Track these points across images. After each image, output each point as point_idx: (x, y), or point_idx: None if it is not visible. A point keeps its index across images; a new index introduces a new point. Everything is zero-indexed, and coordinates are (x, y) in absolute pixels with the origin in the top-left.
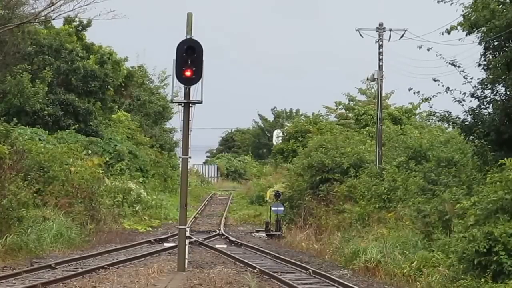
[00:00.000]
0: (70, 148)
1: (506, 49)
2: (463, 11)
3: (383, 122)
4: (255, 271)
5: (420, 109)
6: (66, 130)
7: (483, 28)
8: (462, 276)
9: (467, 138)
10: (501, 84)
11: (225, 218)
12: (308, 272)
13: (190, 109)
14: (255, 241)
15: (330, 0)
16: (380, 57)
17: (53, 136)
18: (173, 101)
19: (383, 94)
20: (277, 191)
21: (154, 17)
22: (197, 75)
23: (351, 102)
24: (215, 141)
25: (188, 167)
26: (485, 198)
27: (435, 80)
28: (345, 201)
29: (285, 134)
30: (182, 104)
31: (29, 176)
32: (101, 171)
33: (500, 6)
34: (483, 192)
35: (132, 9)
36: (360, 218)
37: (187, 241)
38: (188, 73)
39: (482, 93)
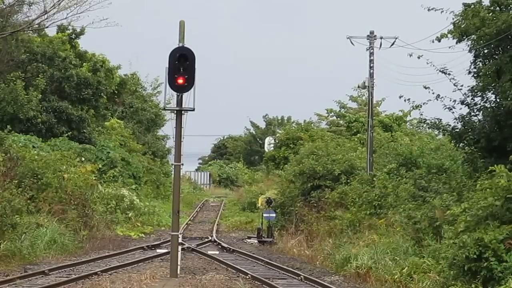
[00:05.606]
0: (63, 155)
1: (496, 57)
2: (453, 19)
3: (374, 129)
4: (247, 277)
5: (410, 116)
6: (60, 138)
7: (473, 36)
8: (453, 282)
9: (457, 145)
10: (491, 92)
11: (217, 224)
12: (299, 278)
13: (183, 116)
14: (247, 247)
15: (321, 8)
16: (371, 64)
17: (46, 143)
18: (166, 108)
19: (374, 102)
20: (269, 197)
21: (147, 25)
22: (190, 83)
23: (342, 109)
24: (207, 148)
25: (181, 174)
26: (475, 204)
27: (425, 88)
28: (336, 207)
29: (277, 141)
30: (175, 111)
31: (22, 183)
32: (94, 178)
33: (490, 14)
34: (473, 199)
35: (125, 17)
36: (351, 224)
37: (180, 247)
38: (180, 81)
39: (472, 101)
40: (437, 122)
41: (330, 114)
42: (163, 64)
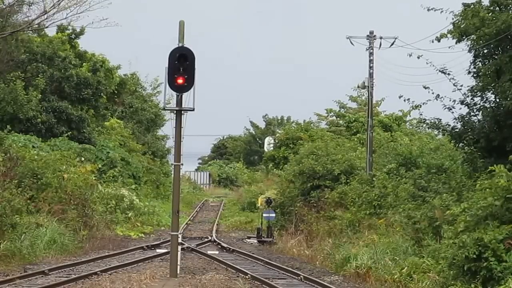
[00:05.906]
0: (63, 155)
1: (496, 57)
2: (453, 19)
3: (373, 129)
4: (247, 277)
5: (410, 116)
6: (59, 137)
7: (472, 36)
8: (452, 282)
9: (457, 145)
10: (491, 92)
11: (217, 224)
12: (299, 278)
13: (182, 116)
14: (246, 247)
15: (320, 7)
16: (371, 64)
17: (46, 143)
18: (165, 108)
19: (374, 101)
20: (269, 197)
21: (147, 25)
22: (189, 83)
23: (342, 109)
24: (207, 148)
25: (180, 174)
26: (474, 204)
27: (425, 88)
28: (336, 207)
29: (277, 141)
30: (174, 111)
31: (22, 183)
32: (94, 178)
33: (490, 14)
34: (473, 199)
35: (124, 17)
36: (351, 224)
37: (179, 247)
38: (180, 81)
39: (471, 100)
40: (437, 122)
41: (330, 114)
42: (163, 64)
